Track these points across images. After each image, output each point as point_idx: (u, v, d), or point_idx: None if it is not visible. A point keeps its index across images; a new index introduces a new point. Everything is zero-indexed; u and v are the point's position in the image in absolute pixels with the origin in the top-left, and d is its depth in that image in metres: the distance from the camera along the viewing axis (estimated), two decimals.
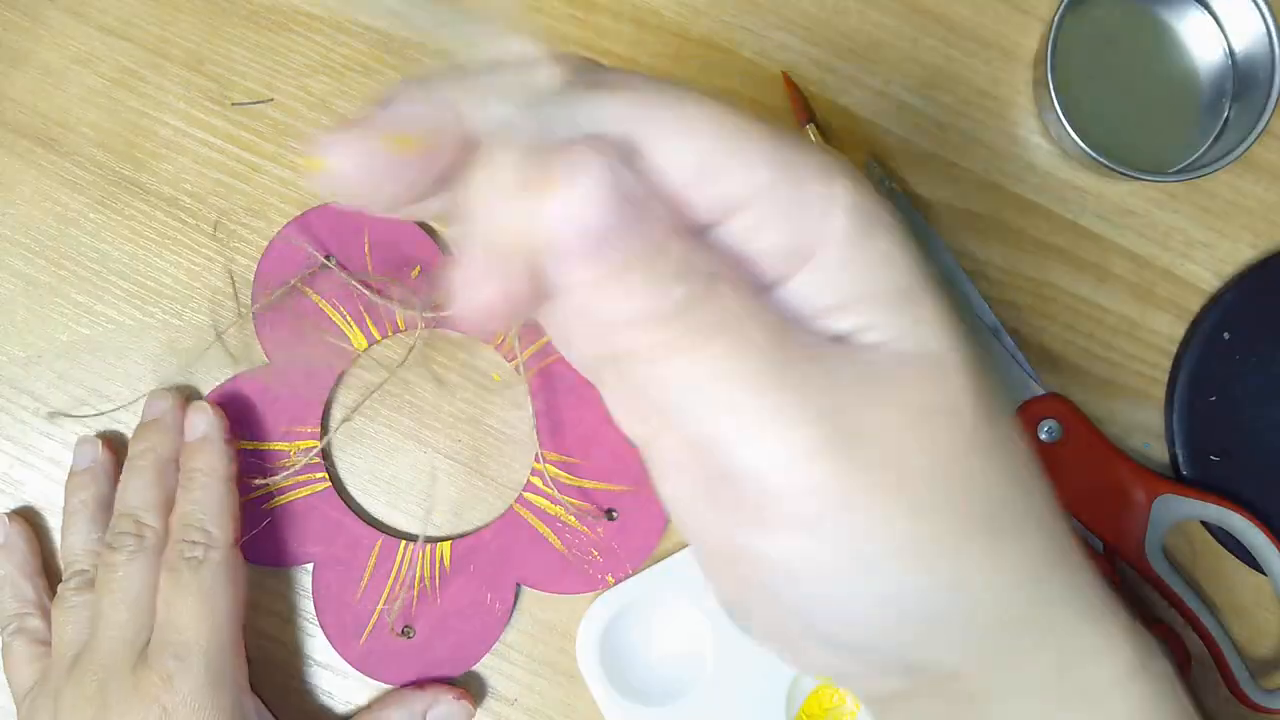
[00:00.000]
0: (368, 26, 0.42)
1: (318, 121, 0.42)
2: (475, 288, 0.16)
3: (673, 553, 0.40)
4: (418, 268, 0.40)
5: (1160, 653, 0.22)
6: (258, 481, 0.39)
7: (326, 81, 0.42)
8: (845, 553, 0.18)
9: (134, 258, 0.42)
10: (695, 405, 0.18)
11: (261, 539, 0.40)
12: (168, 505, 0.37)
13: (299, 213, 0.41)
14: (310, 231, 0.41)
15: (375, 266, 0.40)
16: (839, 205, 0.18)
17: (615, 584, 0.39)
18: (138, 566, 0.35)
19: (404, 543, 0.40)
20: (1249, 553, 0.40)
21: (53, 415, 0.41)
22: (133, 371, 0.41)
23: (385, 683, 0.40)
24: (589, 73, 0.18)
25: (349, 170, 0.17)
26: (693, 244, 0.17)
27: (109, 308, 0.41)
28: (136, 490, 0.37)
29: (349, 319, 0.40)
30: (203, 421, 0.38)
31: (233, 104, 0.42)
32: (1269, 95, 0.37)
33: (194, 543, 0.35)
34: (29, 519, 0.41)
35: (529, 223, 0.16)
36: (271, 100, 0.42)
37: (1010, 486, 0.19)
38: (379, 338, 0.41)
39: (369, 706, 0.39)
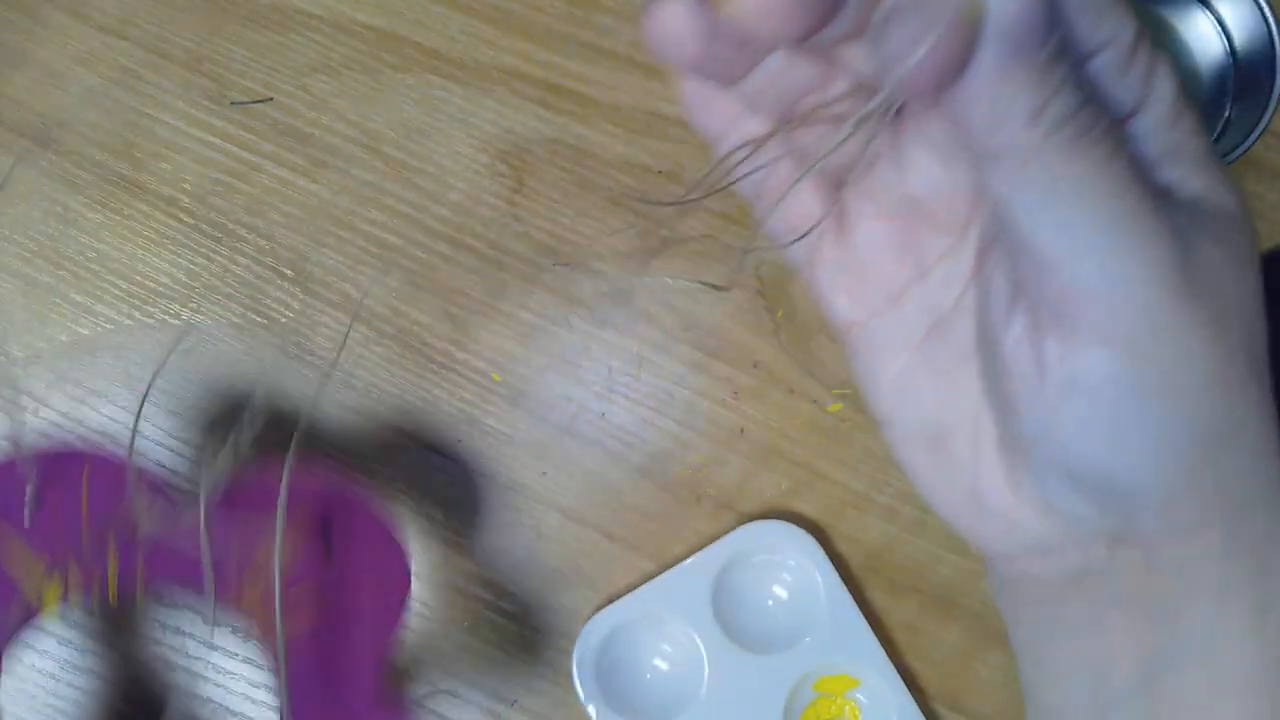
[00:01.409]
0: (367, 25, 0.42)
1: (317, 121, 0.42)
2: (915, 49, 0.17)
3: (668, 568, 0.40)
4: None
5: None
6: None
7: (326, 81, 0.42)
8: (1156, 375, 0.20)
9: (133, 258, 0.42)
10: (1052, 212, 0.19)
11: None
12: None
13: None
14: (18, 473, 0.33)
15: (92, 510, 0.33)
16: (1167, 71, 0.20)
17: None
18: None
19: None
20: None
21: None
22: (132, 372, 0.41)
23: None
24: None
25: None
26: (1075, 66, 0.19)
27: (108, 308, 0.41)
28: None
29: (46, 567, 0.33)
30: None
31: (232, 103, 0.42)
32: (1270, 95, 0.37)
33: None
34: None
35: None
36: (271, 100, 0.42)
37: (1267, 344, 0.21)
38: (75, 596, 0.33)
39: None
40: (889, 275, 0.25)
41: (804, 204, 0.25)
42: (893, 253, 0.25)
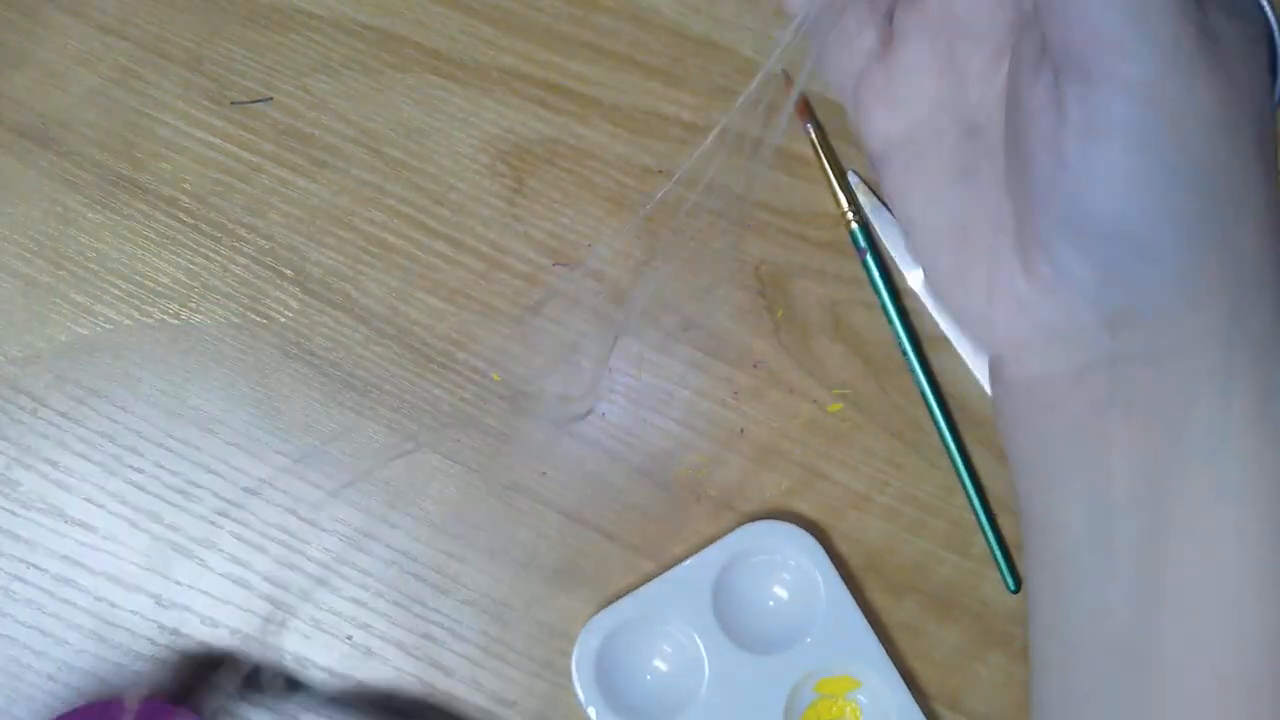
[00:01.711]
0: (367, 25, 0.42)
1: (317, 121, 0.42)
2: None
3: (668, 568, 0.40)
4: None
5: None
6: None
7: (326, 81, 0.42)
8: (1168, 120, 0.21)
9: (133, 258, 0.42)
10: None
11: None
12: None
13: None
14: None
15: None
16: None
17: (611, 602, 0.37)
18: None
19: None
20: None
21: None
22: (132, 372, 0.41)
23: None
24: None
25: None
26: None
27: (108, 308, 0.41)
28: None
29: None
30: None
31: (232, 103, 0.42)
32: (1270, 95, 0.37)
33: None
34: None
35: None
36: (271, 99, 0.42)
37: (1274, 148, 0.23)
38: None
39: None
40: (929, 91, 0.27)
41: (857, 30, 0.27)
42: (934, 72, 0.26)
